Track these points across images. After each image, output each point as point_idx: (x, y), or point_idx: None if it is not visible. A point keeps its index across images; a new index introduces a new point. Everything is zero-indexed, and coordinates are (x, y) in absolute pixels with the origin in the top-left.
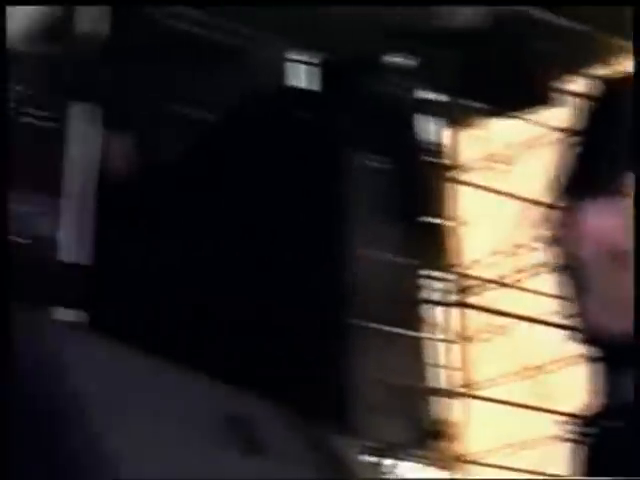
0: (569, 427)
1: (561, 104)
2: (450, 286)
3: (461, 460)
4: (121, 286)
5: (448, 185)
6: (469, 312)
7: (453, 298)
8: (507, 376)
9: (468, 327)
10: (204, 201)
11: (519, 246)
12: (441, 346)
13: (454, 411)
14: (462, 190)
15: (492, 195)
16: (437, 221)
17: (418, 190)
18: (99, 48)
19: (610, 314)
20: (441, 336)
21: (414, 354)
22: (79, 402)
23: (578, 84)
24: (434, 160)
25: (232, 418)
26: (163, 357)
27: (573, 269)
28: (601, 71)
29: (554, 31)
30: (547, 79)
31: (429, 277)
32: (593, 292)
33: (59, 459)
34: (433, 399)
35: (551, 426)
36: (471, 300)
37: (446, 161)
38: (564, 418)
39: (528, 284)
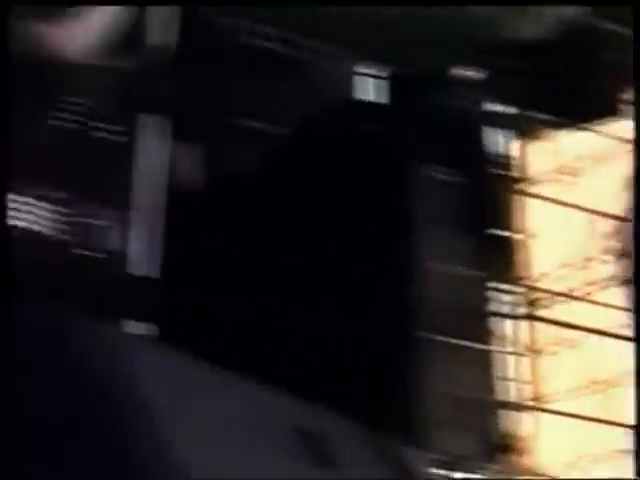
0: (637, 440)
1: (629, 116)
2: (519, 299)
3: (531, 473)
4: (190, 299)
5: (517, 198)
6: (538, 325)
7: (522, 311)
8: (576, 389)
9: (537, 340)
10: (273, 213)
11: (589, 259)
12: (510, 359)
13: (523, 424)
14: (531, 203)
15: (561, 207)
16: (506, 234)
17: (486, 203)
18: (168, 62)
19: None
20: (510, 349)
21: (483, 367)
22: (149, 411)
23: None
24: (502, 172)
25: (301, 430)
26: (231, 368)
27: None
28: None
29: (622, 42)
30: (615, 91)
31: (498, 290)
32: None
33: (129, 467)
34: (502, 412)
35: (620, 439)
36: (540, 313)
37: (514, 174)
38: (633, 431)
39: (598, 297)
